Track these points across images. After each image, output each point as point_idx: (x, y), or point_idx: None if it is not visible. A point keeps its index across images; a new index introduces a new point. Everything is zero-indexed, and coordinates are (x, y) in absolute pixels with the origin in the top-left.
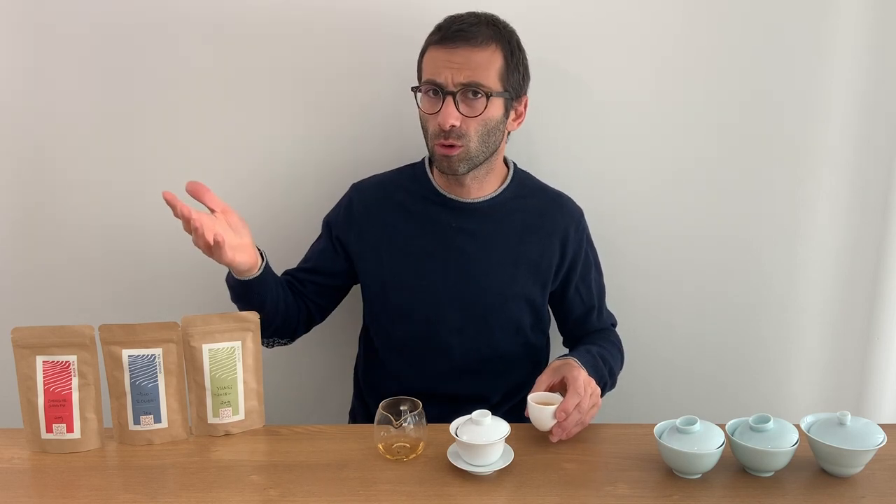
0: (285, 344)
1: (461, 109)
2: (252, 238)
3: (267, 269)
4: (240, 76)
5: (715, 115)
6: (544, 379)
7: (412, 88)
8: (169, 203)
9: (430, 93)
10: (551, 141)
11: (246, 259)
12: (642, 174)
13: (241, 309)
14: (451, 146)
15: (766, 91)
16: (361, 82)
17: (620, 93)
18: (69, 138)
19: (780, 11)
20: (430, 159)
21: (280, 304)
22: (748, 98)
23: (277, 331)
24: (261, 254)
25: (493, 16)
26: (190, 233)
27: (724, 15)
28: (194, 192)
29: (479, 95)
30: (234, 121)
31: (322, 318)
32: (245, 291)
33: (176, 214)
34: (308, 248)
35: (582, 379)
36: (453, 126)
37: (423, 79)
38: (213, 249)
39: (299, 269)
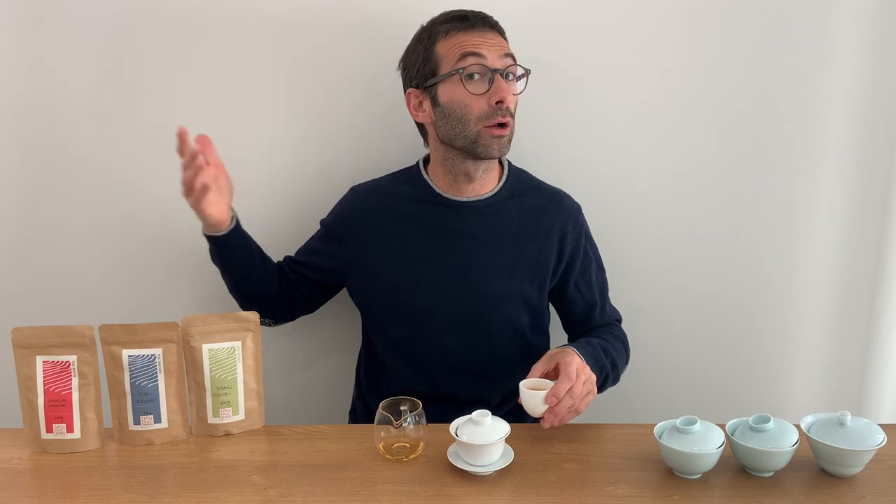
0: (268, 325)
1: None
2: (231, 200)
3: (234, 234)
4: (240, 77)
5: (715, 115)
6: (539, 366)
7: (455, 71)
8: (180, 137)
9: (475, 74)
10: (551, 141)
11: (216, 214)
12: (642, 174)
13: (218, 267)
14: (506, 124)
15: (765, 91)
16: (363, 83)
17: (620, 93)
18: (69, 138)
19: (780, 11)
20: (424, 161)
21: (253, 272)
22: (748, 98)
23: (253, 300)
24: (234, 219)
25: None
26: (186, 169)
27: (725, 15)
28: (201, 142)
29: (511, 77)
30: (234, 121)
31: (308, 310)
32: (214, 248)
33: (181, 150)
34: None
35: (575, 364)
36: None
37: (462, 62)
38: (194, 193)
39: (293, 258)
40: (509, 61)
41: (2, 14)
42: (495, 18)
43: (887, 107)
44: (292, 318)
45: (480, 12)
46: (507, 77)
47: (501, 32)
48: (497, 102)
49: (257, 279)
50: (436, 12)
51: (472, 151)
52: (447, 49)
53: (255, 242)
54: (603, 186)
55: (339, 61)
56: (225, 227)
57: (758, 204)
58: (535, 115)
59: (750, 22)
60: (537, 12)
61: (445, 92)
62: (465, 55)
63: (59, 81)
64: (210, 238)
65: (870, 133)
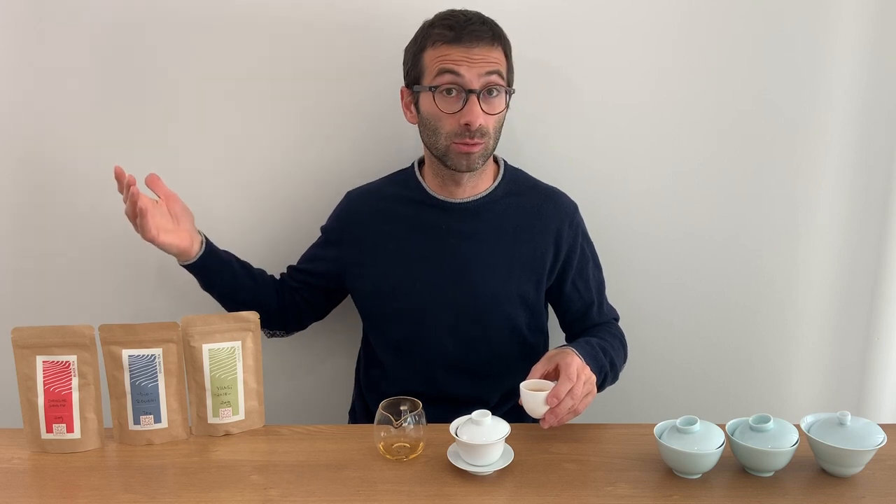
0: (280, 336)
1: (483, 108)
2: (192, 226)
3: (207, 258)
4: (240, 79)
5: (715, 115)
6: (538, 367)
7: (429, 88)
8: (118, 176)
9: (446, 92)
10: (551, 141)
11: (176, 242)
12: (642, 174)
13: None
14: (475, 144)
15: (765, 91)
16: (363, 84)
17: (620, 93)
18: (69, 139)
19: (780, 11)
20: (419, 163)
21: (239, 290)
22: (748, 98)
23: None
24: (206, 243)
25: (481, 13)
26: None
27: (724, 15)
28: (149, 182)
29: (496, 94)
30: (233, 123)
31: (316, 317)
32: (192, 274)
33: (120, 188)
34: (306, 247)
35: (575, 365)
36: (480, 125)
37: (439, 78)
38: (137, 219)
39: (295, 267)
40: (492, 79)
41: (1, 15)
42: (494, 20)
43: (887, 107)
44: (303, 327)
45: (474, 20)
46: (489, 93)
47: (497, 39)
48: (465, 124)
49: (245, 296)
50: (438, 10)
51: (444, 163)
52: (431, 60)
53: (237, 261)
54: (603, 186)
55: (338, 62)
56: (194, 252)
57: (758, 204)
58: (535, 116)
59: (750, 22)
60: (537, 12)
61: (424, 102)
62: (442, 72)
63: (58, 82)
64: (185, 267)
65: (870, 133)
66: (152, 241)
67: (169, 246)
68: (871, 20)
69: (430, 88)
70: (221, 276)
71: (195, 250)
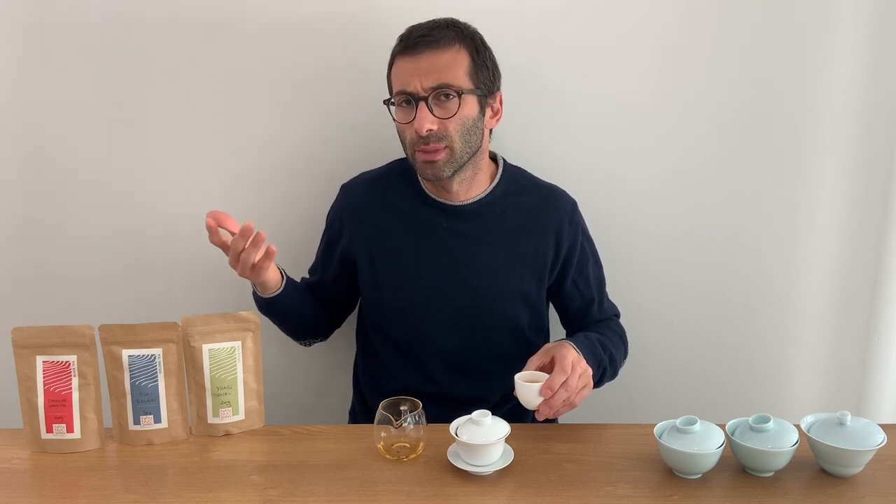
0: (321, 341)
1: (435, 113)
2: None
3: (288, 288)
4: (238, 78)
5: (714, 114)
6: (535, 359)
7: (384, 102)
8: (210, 228)
9: (403, 103)
10: (551, 141)
11: (273, 276)
12: (642, 174)
13: (273, 321)
14: (434, 151)
15: (765, 91)
16: (357, 83)
17: (620, 93)
18: (69, 139)
19: (779, 11)
20: None
21: (305, 314)
22: (747, 98)
23: (310, 333)
24: (280, 271)
25: (452, 19)
26: (246, 251)
27: (723, 15)
28: (217, 220)
29: (451, 97)
30: (231, 122)
31: (349, 312)
32: (271, 308)
33: (214, 241)
34: (303, 249)
35: (570, 357)
36: (430, 130)
37: (394, 91)
38: (255, 266)
39: (311, 282)
40: (441, 83)
41: (2, 18)
42: (464, 23)
43: (887, 107)
44: (338, 326)
45: (428, 27)
46: (444, 97)
47: (455, 40)
48: (416, 131)
49: (310, 320)
50: (429, 14)
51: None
52: (392, 78)
53: (301, 285)
54: (603, 187)
55: (333, 61)
56: (280, 284)
57: (758, 204)
58: (534, 116)
59: (749, 22)
60: (537, 13)
61: (395, 115)
62: (398, 89)
63: (59, 84)
64: (269, 301)
65: (870, 133)
66: (257, 277)
67: (268, 280)
68: (871, 20)
69: (391, 104)
70: (296, 304)
71: (280, 280)
